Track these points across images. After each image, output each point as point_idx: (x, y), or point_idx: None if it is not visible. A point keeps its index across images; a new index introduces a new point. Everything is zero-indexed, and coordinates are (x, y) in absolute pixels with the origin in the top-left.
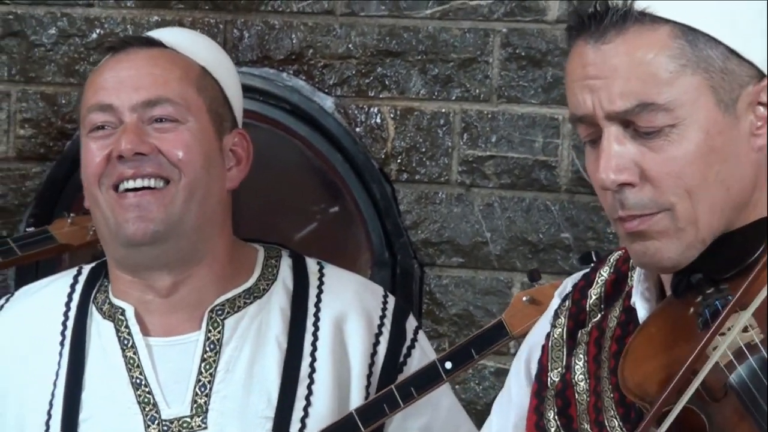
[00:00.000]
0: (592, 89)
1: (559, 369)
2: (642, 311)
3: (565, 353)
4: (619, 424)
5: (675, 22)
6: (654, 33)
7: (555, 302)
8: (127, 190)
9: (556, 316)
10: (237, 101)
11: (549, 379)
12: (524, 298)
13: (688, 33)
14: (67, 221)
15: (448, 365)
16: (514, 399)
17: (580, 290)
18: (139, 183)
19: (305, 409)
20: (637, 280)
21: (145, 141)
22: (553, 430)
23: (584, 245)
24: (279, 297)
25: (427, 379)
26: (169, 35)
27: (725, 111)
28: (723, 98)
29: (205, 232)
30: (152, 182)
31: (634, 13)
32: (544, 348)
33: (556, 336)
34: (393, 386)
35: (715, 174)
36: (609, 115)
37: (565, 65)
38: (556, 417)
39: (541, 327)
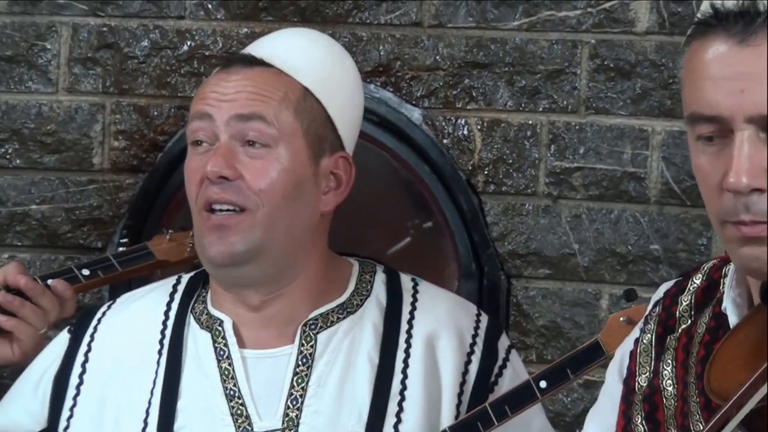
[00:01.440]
0: (733, 90)
1: (647, 374)
2: (733, 317)
3: (653, 358)
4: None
5: None
6: None
7: (648, 308)
8: (215, 210)
9: (646, 321)
10: (344, 121)
11: (637, 384)
12: (621, 319)
13: None
14: (165, 237)
15: (543, 384)
16: (610, 406)
17: (671, 297)
18: (225, 206)
19: (395, 426)
20: (728, 286)
21: (231, 165)
22: None
23: (674, 257)
24: (372, 313)
25: (522, 397)
26: (280, 47)
27: None
28: None
29: (291, 256)
30: (236, 207)
31: None
32: (633, 353)
33: (645, 341)
34: (487, 404)
35: None
36: (751, 119)
37: (685, 63)
38: (644, 422)
39: (633, 335)
